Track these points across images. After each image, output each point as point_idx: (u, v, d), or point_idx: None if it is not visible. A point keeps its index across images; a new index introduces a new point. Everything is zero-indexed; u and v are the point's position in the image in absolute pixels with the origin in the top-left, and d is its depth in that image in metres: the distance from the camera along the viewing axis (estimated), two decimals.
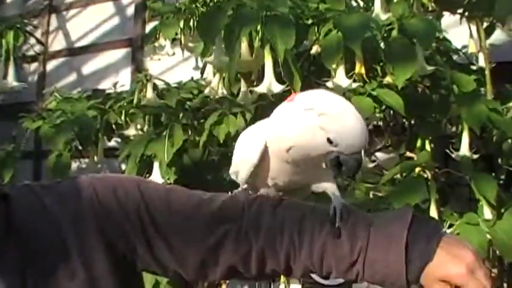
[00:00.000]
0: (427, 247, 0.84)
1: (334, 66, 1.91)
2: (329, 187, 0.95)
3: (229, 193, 0.97)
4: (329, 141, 0.86)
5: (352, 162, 0.87)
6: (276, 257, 0.89)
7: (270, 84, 1.88)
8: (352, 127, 0.86)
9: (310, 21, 2.09)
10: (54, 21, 4.77)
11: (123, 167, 2.52)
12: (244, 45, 1.94)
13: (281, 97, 2.09)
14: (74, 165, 3.49)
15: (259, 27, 1.89)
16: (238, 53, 1.91)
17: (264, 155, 0.94)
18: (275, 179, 0.95)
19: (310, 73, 2.23)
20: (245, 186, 0.98)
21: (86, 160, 2.95)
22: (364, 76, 1.93)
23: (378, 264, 0.85)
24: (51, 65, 4.70)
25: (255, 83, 1.99)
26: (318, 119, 0.86)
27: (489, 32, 2.31)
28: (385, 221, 0.87)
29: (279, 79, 1.89)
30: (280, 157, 0.92)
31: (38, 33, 4.72)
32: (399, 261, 0.84)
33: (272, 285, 3.40)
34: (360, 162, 0.88)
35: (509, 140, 2.14)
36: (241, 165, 0.97)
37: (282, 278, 2.53)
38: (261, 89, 1.90)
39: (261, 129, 0.96)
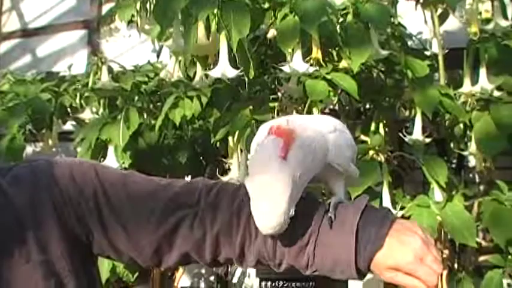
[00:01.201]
0: (378, 233, 0.84)
1: (290, 50, 1.92)
2: None
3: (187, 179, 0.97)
4: None
5: None
6: (231, 243, 0.89)
7: (224, 69, 1.88)
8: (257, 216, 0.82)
9: (266, 5, 2.09)
10: (7, 1, 4.65)
11: (79, 151, 2.49)
12: (200, 28, 1.92)
13: (238, 81, 2.09)
14: (29, 149, 3.43)
15: (215, 11, 1.88)
16: (195, 37, 1.90)
17: None
18: None
19: (267, 57, 2.23)
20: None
21: (41, 144, 2.90)
22: (321, 60, 1.95)
23: (328, 248, 0.85)
24: (4, 46, 4.58)
25: (211, 67, 1.99)
26: None
27: (443, 18, 2.34)
28: (340, 208, 0.87)
29: (234, 64, 1.89)
30: None
31: None
32: (348, 246, 0.83)
33: (229, 268, 3.42)
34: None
35: (461, 125, 2.19)
36: None
37: None
38: (216, 73, 1.89)
39: None
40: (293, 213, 0.82)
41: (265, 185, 0.80)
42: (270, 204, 0.80)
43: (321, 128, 0.89)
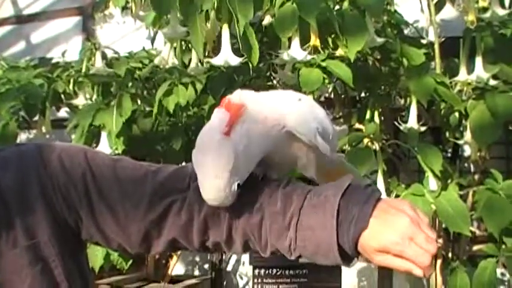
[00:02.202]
0: (361, 213, 0.79)
1: (288, 37, 1.91)
2: None
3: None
4: None
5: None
6: (219, 226, 0.87)
7: (227, 56, 1.86)
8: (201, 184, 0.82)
9: None
10: None
11: (73, 137, 2.47)
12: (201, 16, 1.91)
13: (234, 69, 2.08)
14: (23, 136, 3.42)
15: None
16: (200, 24, 1.88)
17: None
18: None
19: (262, 44, 2.22)
20: None
21: (34, 131, 2.89)
22: (319, 48, 1.93)
23: (309, 231, 0.81)
24: None
25: (209, 54, 1.97)
26: None
27: (439, 7, 2.33)
28: (322, 189, 0.84)
29: (235, 51, 1.88)
30: None
31: None
32: (329, 228, 0.79)
33: (223, 256, 3.43)
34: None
35: (456, 114, 2.18)
36: None
37: None
38: (218, 61, 1.87)
39: None
40: (235, 188, 0.82)
41: (206, 159, 0.82)
42: (211, 178, 0.81)
43: (280, 101, 0.89)
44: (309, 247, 0.82)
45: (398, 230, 0.78)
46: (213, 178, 0.81)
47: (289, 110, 0.87)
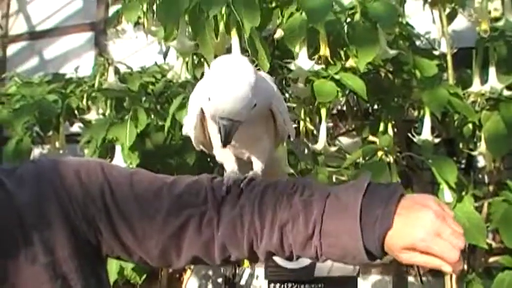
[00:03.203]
0: (384, 213, 0.77)
1: (297, 47, 1.91)
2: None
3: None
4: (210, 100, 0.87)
5: (220, 127, 0.86)
6: (239, 246, 0.87)
7: None
8: (222, 90, 0.85)
9: (274, 5, 2.08)
10: (14, 4, 4.66)
11: (86, 152, 2.48)
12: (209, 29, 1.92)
13: None
14: (36, 151, 3.44)
15: (223, 10, 1.88)
16: (208, 36, 1.89)
17: (204, 121, 0.95)
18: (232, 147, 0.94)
19: (274, 57, 2.22)
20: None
21: (48, 146, 2.90)
22: (329, 58, 1.93)
23: (334, 237, 0.80)
24: (11, 48, 4.59)
25: None
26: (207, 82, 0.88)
27: (451, 17, 2.33)
28: (341, 192, 0.83)
29: None
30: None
31: None
32: (354, 232, 0.78)
33: (237, 270, 3.41)
34: (227, 129, 0.86)
35: (470, 125, 2.17)
36: (189, 133, 0.99)
37: (246, 263, 2.54)
38: None
39: (198, 93, 0.95)
40: (252, 105, 0.86)
41: (231, 75, 0.86)
42: (235, 89, 0.85)
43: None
44: (335, 252, 0.82)
45: (424, 226, 0.76)
46: (236, 87, 0.84)
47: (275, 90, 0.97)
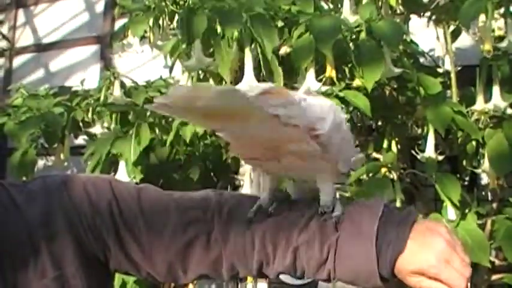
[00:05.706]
0: (398, 237, 0.79)
1: (304, 68, 1.93)
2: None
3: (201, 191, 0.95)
4: None
5: None
6: (247, 266, 0.88)
7: (250, 83, 1.88)
8: None
9: (281, 24, 2.09)
10: (21, 16, 4.70)
11: (89, 164, 2.49)
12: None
13: None
14: (41, 163, 3.45)
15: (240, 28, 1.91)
16: (226, 53, 1.91)
17: None
18: None
19: None
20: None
21: (53, 158, 2.91)
22: (335, 79, 1.95)
23: (348, 261, 0.81)
24: (17, 61, 4.62)
25: (229, 83, 1.99)
26: None
27: (455, 35, 2.34)
28: (356, 214, 0.84)
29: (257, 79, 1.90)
30: None
31: (5, 29, 4.66)
32: (369, 256, 0.80)
33: (239, 285, 3.40)
34: None
35: (473, 142, 2.18)
36: None
37: (250, 278, 2.53)
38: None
39: None
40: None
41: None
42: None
43: None
44: (348, 275, 0.83)
45: (435, 252, 0.78)
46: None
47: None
